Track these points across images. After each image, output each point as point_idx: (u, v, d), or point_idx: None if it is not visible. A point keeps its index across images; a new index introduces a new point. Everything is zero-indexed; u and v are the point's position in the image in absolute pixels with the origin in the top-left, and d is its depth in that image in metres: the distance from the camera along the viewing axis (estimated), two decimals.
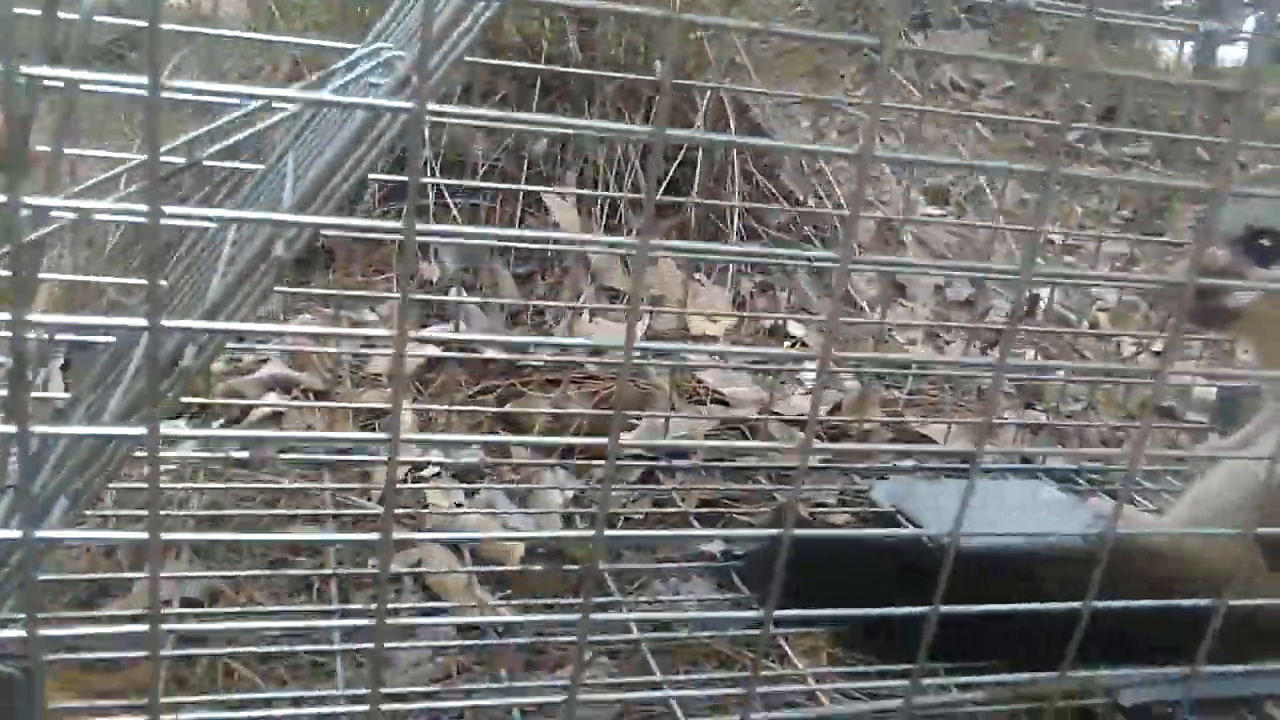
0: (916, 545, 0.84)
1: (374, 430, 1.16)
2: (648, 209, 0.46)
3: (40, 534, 0.42)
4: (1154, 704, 0.72)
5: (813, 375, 1.38)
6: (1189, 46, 3.50)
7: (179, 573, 0.86)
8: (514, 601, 0.87)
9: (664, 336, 1.40)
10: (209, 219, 0.55)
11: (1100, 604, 0.56)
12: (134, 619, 0.78)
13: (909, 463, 1.20)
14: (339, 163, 0.49)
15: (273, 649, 0.79)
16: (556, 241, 1.36)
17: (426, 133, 1.41)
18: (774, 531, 0.51)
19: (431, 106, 0.41)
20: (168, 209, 0.40)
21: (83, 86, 0.52)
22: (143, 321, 0.39)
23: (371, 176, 1.37)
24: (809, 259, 1.36)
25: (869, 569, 0.81)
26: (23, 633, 0.44)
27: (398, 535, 0.49)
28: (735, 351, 1.45)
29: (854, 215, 0.48)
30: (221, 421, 1.14)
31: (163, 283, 0.79)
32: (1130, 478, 0.71)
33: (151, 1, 0.36)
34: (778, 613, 0.52)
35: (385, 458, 1.06)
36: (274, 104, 0.60)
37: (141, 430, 0.42)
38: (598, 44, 1.65)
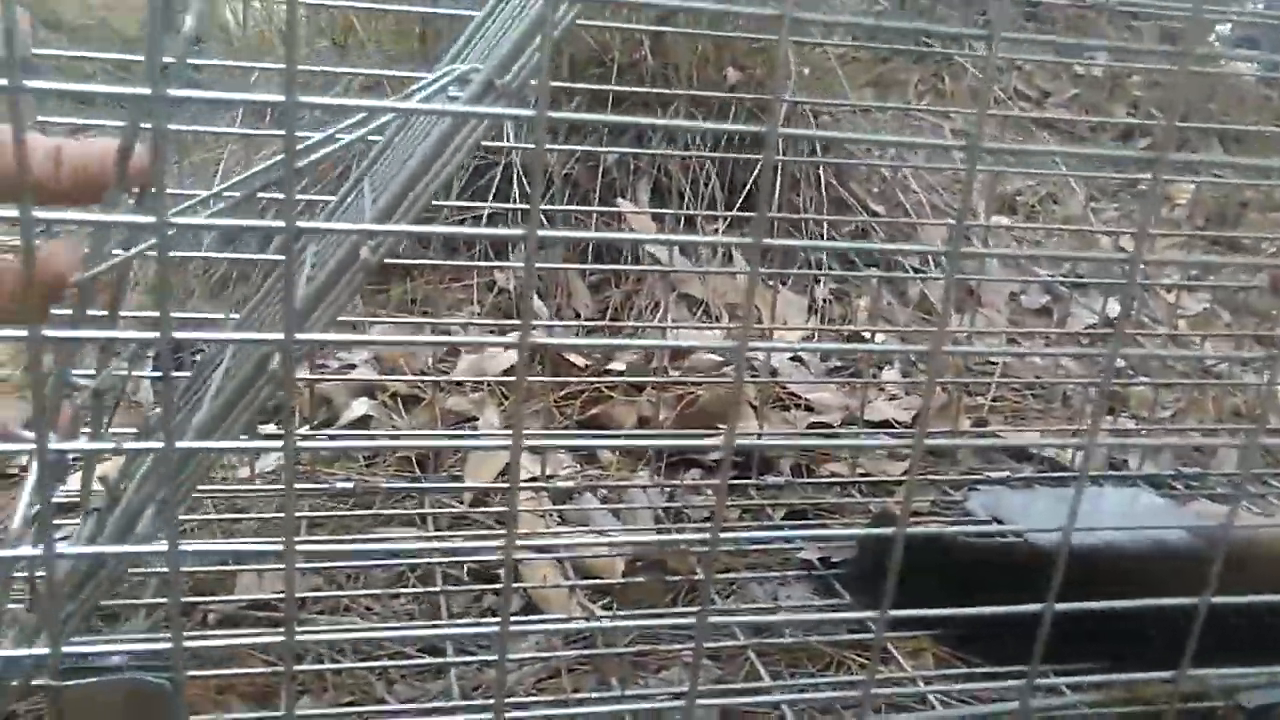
0: (1022, 547, 0.83)
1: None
2: (760, 215, 0.46)
3: (184, 548, 0.42)
4: (1279, 705, 0.71)
5: (896, 381, 1.38)
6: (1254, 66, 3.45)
7: (306, 590, 0.88)
8: (618, 612, 0.88)
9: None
10: (339, 231, 0.56)
11: (1218, 599, 0.55)
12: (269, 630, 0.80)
13: (1001, 472, 1.19)
14: (423, 170, 0.50)
15: (389, 660, 0.80)
16: (652, 256, 1.36)
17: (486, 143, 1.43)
18: (887, 531, 0.50)
19: (551, 114, 0.42)
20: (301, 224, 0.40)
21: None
22: (278, 336, 0.40)
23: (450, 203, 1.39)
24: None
25: (975, 571, 0.81)
26: (159, 645, 0.45)
27: (521, 556, 0.49)
28: (859, 349, 1.45)
29: (962, 220, 0.48)
30: (313, 425, 1.16)
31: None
32: (1245, 479, 0.70)
33: (289, 26, 0.37)
34: (894, 612, 0.51)
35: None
36: (370, 116, 0.61)
37: (278, 444, 0.43)
38: (670, 50, 1.65)
